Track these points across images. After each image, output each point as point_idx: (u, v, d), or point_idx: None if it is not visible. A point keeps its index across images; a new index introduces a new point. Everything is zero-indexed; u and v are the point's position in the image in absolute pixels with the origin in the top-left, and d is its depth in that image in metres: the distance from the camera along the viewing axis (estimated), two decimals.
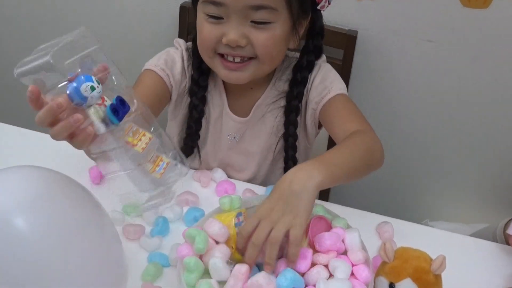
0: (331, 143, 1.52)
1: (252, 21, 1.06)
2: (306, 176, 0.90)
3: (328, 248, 0.91)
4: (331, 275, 0.89)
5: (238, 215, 0.95)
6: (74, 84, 0.77)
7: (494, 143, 1.65)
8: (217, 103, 1.25)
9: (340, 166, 0.96)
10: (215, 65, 1.14)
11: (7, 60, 1.94)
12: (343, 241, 0.93)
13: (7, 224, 0.85)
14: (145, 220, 1.11)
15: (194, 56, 1.20)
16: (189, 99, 1.24)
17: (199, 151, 1.28)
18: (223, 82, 1.23)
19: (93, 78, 0.78)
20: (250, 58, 1.11)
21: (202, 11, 1.09)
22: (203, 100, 1.23)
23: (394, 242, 1.09)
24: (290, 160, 1.26)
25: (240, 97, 1.23)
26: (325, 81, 1.20)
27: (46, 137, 1.30)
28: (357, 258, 0.91)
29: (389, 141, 1.70)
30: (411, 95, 1.63)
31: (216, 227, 0.91)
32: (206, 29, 1.09)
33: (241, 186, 1.21)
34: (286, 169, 1.28)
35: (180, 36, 1.66)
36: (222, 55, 1.11)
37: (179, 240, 1.00)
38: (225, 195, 1.02)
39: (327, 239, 0.91)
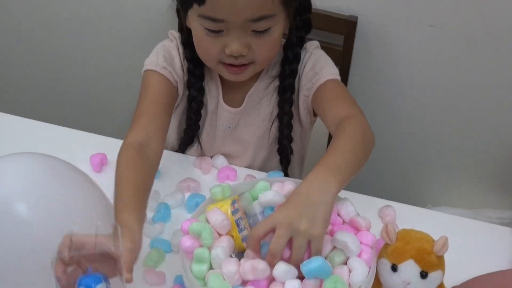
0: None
1: (253, 30, 1.06)
2: (322, 187, 0.89)
3: None
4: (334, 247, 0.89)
5: (233, 202, 0.94)
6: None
7: (496, 128, 1.64)
8: (214, 94, 1.24)
9: (346, 168, 0.95)
10: (219, 70, 1.15)
11: (7, 49, 1.94)
12: (338, 214, 0.93)
13: (10, 211, 0.85)
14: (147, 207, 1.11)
15: (187, 48, 1.19)
16: (187, 92, 1.23)
17: (199, 141, 1.28)
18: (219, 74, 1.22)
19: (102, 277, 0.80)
20: (249, 63, 1.11)
21: (199, 23, 1.08)
22: (201, 91, 1.22)
23: (396, 225, 1.09)
24: (285, 139, 1.24)
25: (235, 88, 1.22)
26: (315, 68, 1.19)
27: (47, 126, 1.31)
28: (358, 226, 0.92)
29: (391, 126, 1.70)
30: (412, 80, 1.62)
31: (219, 219, 0.90)
32: (206, 43, 1.09)
33: (242, 172, 1.21)
34: (279, 150, 1.27)
35: (179, 22, 1.65)
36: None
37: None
38: (215, 184, 0.99)
39: None
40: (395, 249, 0.90)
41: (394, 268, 0.89)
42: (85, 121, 1.77)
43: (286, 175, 1.28)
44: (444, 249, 0.89)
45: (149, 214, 1.10)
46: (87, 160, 1.18)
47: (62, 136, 1.27)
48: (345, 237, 0.88)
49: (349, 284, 0.85)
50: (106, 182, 1.03)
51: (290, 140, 1.26)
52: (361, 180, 1.70)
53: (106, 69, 1.86)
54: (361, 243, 0.89)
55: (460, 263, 0.98)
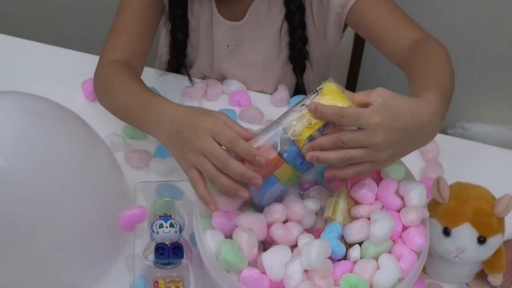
0: (356, 48, 1.33)
1: None
2: (431, 109, 0.73)
3: (367, 199, 0.75)
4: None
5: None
6: None
7: None
8: (206, 7, 1.06)
9: (449, 92, 0.81)
10: None
11: None
12: (399, 195, 0.76)
13: None
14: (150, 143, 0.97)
15: None
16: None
17: (186, 70, 1.11)
18: None
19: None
20: None
21: None
22: (183, 5, 1.04)
23: (440, 164, 0.95)
24: (299, 53, 1.07)
25: None
26: None
27: (37, 46, 1.12)
28: (409, 219, 0.73)
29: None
30: None
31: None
32: None
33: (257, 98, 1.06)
34: (295, 69, 1.11)
35: None
36: None
37: None
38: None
39: (363, 188, 0.74)
40: (449, 210, 0.76)
41: (446, 232, 0.76)
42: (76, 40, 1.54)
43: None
44: (507, 211, 0.75)
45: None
46: (79, 88, 1.02)
47: (51, 59, 1.11)
48: (378, 215, 0.72)
49: (371, 285, 0.70)
50: (101, 114, 0.92)
51: (305, 54, 1.08)
52: None
53: None
54: (403, 243, 0.72)
55: None
